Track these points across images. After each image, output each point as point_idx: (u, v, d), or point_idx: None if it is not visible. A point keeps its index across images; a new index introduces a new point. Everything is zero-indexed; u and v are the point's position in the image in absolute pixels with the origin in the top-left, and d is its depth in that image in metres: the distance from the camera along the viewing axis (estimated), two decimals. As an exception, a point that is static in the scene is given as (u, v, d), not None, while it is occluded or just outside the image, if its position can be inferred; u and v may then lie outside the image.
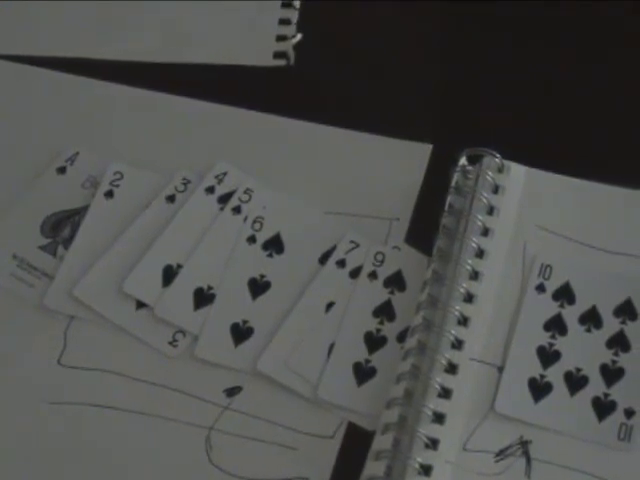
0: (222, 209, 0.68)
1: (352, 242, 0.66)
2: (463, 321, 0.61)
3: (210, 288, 0.65)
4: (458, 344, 0.61)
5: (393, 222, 0.67)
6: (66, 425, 0.61)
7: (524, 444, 0.59)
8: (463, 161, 0.67)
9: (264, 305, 0.64)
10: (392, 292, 0.64)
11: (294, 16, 0.78)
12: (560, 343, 0.61)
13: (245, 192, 0.68)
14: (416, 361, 0.60)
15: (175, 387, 0.62)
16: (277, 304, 0.64)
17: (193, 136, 0.73)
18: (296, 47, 0.76)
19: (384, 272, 0.65)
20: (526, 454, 0.59)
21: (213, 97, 0.74)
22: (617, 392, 0.60)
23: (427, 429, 0.58)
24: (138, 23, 0.78)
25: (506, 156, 0.68)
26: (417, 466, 0.57)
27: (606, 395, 0.60)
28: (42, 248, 0.67)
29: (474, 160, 0.68)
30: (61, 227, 0.68)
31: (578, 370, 0.60)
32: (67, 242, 0.67)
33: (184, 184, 0.69)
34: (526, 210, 0.66)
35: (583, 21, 0.77)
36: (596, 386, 0.60)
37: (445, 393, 0.59)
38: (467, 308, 0.62)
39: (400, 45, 0.77)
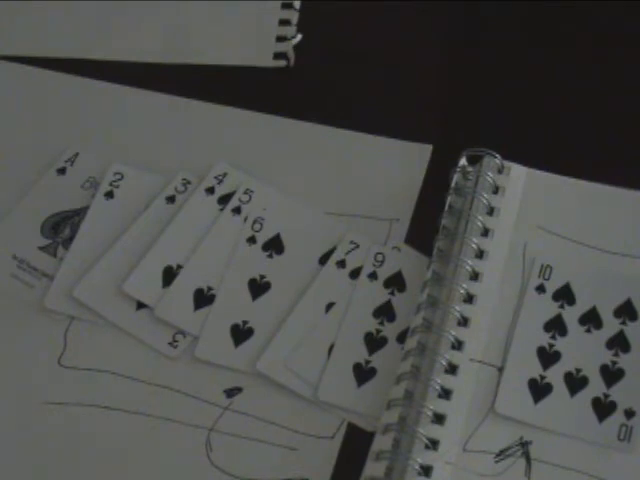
0: (222, 210, 0.68)
1: (352, 243, 0.66)
2: (463, 322, 0.62)
3: (210, 289, 0.65)
4: (458, 345, 0.61)
5: (393, 223, 0.67)
6: (66, 425, 0.61)
7: (524, 445, 0.59)
8: (463, 161, 0.67)
9: (264, 306, 0.64)
10: (392, 293, 0.64)
11: (294, 17, 0.78)
12: (560, 344, 0.61)
13: (245, 193, 0.68)
14: (416, 362, 0.60)
15: (175, 388, 0.62)
16: (277, 305, 0.64)
17: (193, 136, 0.73)
18: (296, 48, 0.76)
19: (384, 273, 0.65)
20: (526, 455, 0.59)
21: (213, 97, 0.74)
22: (617, 393, 0.60)
23: (427, 430, 0.58)
24: (138, 23, 0.78)
25: (506, 156, 0.68)
26: (417, 467, 0.57)
27: (606, 396, 0.60)
28: (42, 249, 0.67)
29: (474, 160, 0.68)
30: (61, 228, 0.68)
31: (578, 371, 0.60)
32: (67, 243, 0.67)
33: (184, 185, 0.69)
34: (526, 211, 0.66)
35: (583, 21, 0.77)
36: (596, 387, 0.60)
37: (445, 394, 0.59)
38: (467, 309, 0.62)
39: (400, 45, 0.77)
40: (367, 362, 0.62)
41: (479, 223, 0.65)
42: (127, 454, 0.60)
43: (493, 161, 0.67)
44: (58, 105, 0.75)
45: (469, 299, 0.62)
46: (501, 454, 0.59)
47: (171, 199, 0.69)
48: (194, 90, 0.74)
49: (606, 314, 0.62)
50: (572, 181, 0.68)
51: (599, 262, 0.64)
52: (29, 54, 0.77)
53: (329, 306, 0.64)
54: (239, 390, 0.62)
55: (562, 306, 0.63)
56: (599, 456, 0.58)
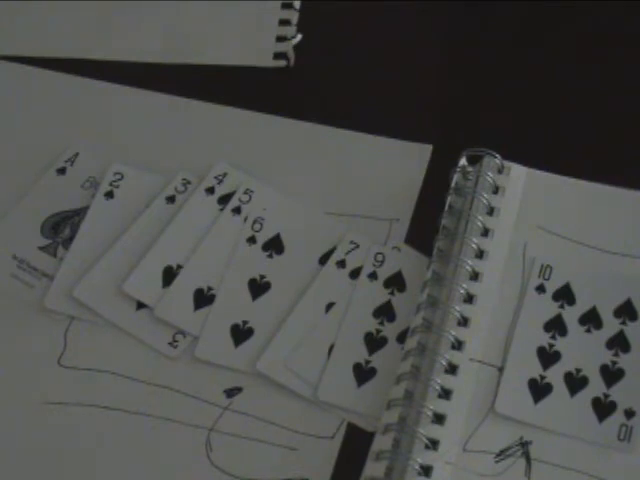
0: (222, 210, 0.68)
1: (352, 243, 0.66)
2: (463, 322, 0.62)
3: (210, 289, 0.65)
4: (458, 345, 0.61)
5: (393, 223, 0.67)
6: (66, 425, 0.61)
7: (524, 445, 0.59)
8: (463, 161, 0.67)
9: (264, 306, 0.64)
10: (392, 293, 0.64)
11: (294, 17, 0.78)
12: (560, 344, 0.61)
13: (245, 193, 0.68)
14: (416, 362, 0.60)
15: (175, 388, 0.62)
16: (277, 305, 0.64)
17: (193, 136, 0.73)
18: (296, 48, 0.76)
19: (384, 273, 0.65)
20: (526, 455, 0.59)
21: (213, 97, 0.74)
22: (617, 393, 0.60)
23: (427, 430, 0.58)
24: (138, 23, 0.78)
25: (506, 156, 0.68)
26: (417, 467, 0.57)
27: (606, 396, 0.60)
28: (42, 249, 0.67)
29: (474, 160, 0.67)
30: (61, 228, 0.68)
31: (578, 371, 0.60)
32: (67, 243, 0.67)
33: (184, 185, 0.69)
34: (526, 211, 0.66)
35: (583, 21, 0.77)
36: (596, 387, 0.60)
37: (445, 394, 0.59)
38: (467, 309, 0.62)
39: (400, 45, 0.77)
40: (367, 362, 0.62)
41: (479, 223, 0.65)
42: (127, 454, 0.60)
43: (493, 161, 0.67)
44: (58, 105, 0.75)
45: (469, 299, 0.62)
46: (501, 454, 0.59)
47: (171, 199, 0.69)
48: (194, 90, 0.74)
49: (606, 314, 0.62)
50: (572, 181, 0.68)
51: (599, 262, 0.64)
52: (29, 54, 0.77)
53: (329, 306, 0.64)
54: (239, 390, 0.62)
55: (562, 306, 0.63)
56: (599, 456, 0.58)
